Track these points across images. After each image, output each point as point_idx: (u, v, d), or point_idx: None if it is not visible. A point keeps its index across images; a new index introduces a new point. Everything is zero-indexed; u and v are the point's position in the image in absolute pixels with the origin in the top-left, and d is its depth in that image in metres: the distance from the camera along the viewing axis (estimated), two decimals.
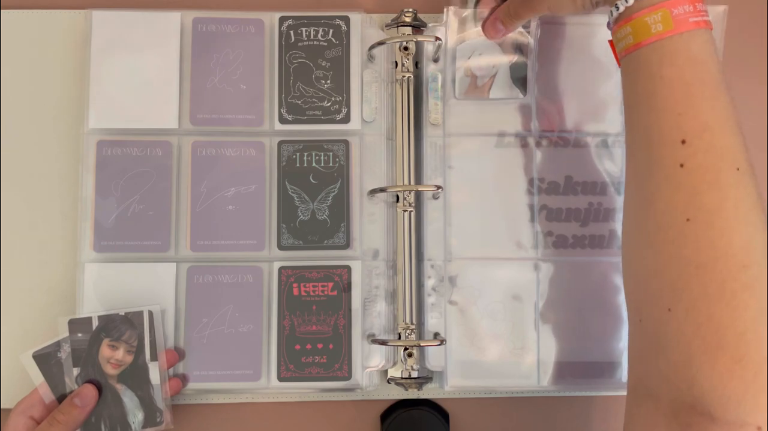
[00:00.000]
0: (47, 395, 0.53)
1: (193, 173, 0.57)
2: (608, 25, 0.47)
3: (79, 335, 0.53)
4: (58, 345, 0.53)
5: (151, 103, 0.57)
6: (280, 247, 0.56)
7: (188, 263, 0.56)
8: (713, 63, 0.43)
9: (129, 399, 0.53)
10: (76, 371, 0.53)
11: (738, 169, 0.42)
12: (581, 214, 0.58)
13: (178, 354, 0.55)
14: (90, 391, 0.52)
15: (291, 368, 0.55)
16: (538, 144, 0.59)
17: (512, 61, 0.58)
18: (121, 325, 0.54)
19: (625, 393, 0.58)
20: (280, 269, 0.56)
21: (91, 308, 0.55)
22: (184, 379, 0.55)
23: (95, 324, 0.54)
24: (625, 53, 0.45)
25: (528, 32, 0.59)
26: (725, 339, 0.40)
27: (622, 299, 0.57)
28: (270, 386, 0.55)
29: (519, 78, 0.58)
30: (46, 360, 0.53)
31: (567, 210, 0.58)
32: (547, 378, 0.56)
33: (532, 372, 0.57)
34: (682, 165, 0.42)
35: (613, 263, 0.58)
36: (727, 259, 0.41)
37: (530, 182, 0.58)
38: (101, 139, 0.57)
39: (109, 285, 0.55)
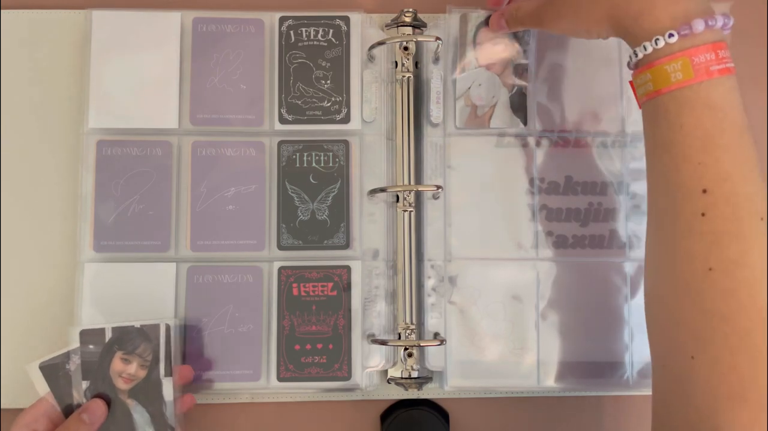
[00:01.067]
0: (53, 407, 0.51)
1: (193, 173, 0.57)
2: (628, 65, 0.47)
3: (91, 347, 0.51)
4: (66, 356, 0.51)
5: (151, 103, 0.57)
6: (280, 247, 0.56)
7: (188, 263, 0.56)
8: (735, 110, 0.42)
9: (139, 415, 0.51)
10: (85, 384, 0.51)
11: (762, 218, 0.41)
12: (581, 214, 0.58)
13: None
14: (99, 407, 0.50)
15: (291, 368, 0.55)
16: (538, 144, 0.58)
17: (512, 91, 0.58)
18: (135, 338, 0.52)
19: (626, 393, 0.58)
20: (280, 269, 0.56)
21: (91, 308, 0.55)
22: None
23: (108, 335, 0.52)
24: (645, 99, 0.45)
25: (526, 53, 0.59)
26: (750, 388, 0.39)
27: (622, 299, 0.57)
28: (269, 386, 0.55)
29: (519, 108, 0.58)
30: (53, 371, 0.51)
31: (567, 210, 0.58)
32: (547, 378, 0.56)
33: (532, 372, 0.57)
34: (703, 214, 0.42)
35: (613, 264, 0.58)
36: (751, 311, 0.40)
37: (530, 182, 0.58)
38: (101, 139, 0.57)
39: (108, 285, 0.55)
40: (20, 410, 0.56)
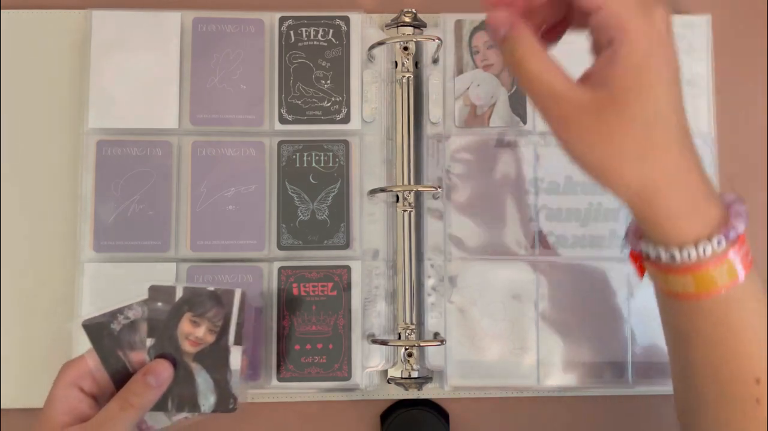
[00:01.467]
0: (97, 366, 0.48)
1: (193, 173, 0.57)
2: (635, 243, 0.42)
3: (159, 304, 0.48)
4: (112, 316, 0.48)
5: (151, 103, 0.57)
6: (280, 247, 0.56)
7: (188, 263, 0.56)
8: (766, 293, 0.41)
9: (203, 381, 0.48)
10: (150, 341, 0.48)
11: None
12: (581, 214, 0.58)
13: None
14: (166, 369, 0.47)
15: (291, 368, 0.55)
16: (538, 144, 0.58)
17: (511, 91, 0.58)
18: (207, 301, 0.49)
19: (625, 392, 0.58)
20: (280, 269, 0.56)
21: (91, 308, 0.55)
22: None
23: (179, 294, 0.49)
24: (682, 299, 0.41)
25: None
26: None
27: (621, 299, 0.57)
28: (269, 386, 0.55)
29: (519, 107, 0.58)
30: (97, 330, 0.48)
31: (567, 210, 0.58)
32: (547, 378, 0.56)
33: (532, 372, 0.56)
34: (758, 400, 0.41)
35: (613, 264, 0.58)
36: None
37: (530, 182, 0.58)
38: (101, 139, 0.57)
39: (108, 285, 0.55)
40: (20, 410, 0.56)
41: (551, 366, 0.57)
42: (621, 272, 0.57)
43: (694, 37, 0.60)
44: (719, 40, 0.60)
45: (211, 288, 0.49)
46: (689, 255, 0.38)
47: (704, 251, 0.38)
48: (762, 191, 0.61)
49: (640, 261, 0.43)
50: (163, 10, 0.58)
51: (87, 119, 0.57)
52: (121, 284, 0.55)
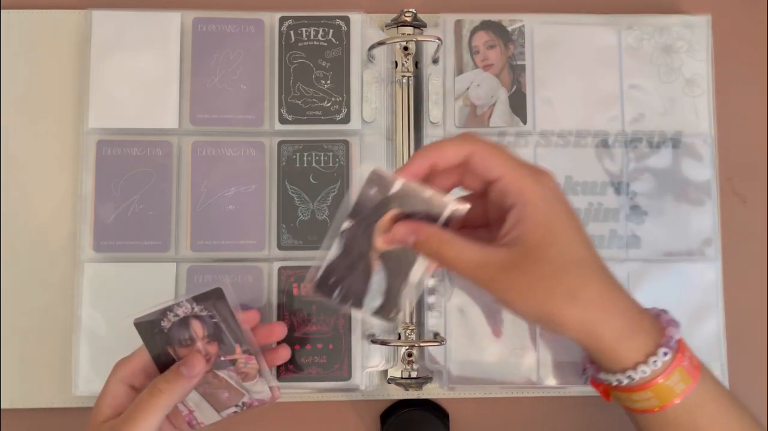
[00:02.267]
0: (150, 363, 0.49)
1: (193, 173, 0.57)
2: (595, 374, 0.46)
3: (373, 191, 0.44)
4: (162, 313, 0.48)
5: (151, 103, 0.57)
6: (280, 247, 0.56)
7: (188, 263, 0.56)
8: (725, 391, 0.44)
9: (377, 282, 0.46)
10: (347, 223, 0.45)
11: None
12: (581, 214, 0.58)
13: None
14: (199, 362, 0.48)
15: (291, 368, 0.55)
16: (538, 144, 0.58)
17: (511, 91, 0.58)
18: (419, 205, 0.44)
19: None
20: (280, 269, 0.56)
21: (91, 308, 0.55)
22: None
23: (395, 188, 0.44)
24: (649, 412, 0.44)
25: (522, 54, 0.59)
26: None
27: None
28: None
29: (518, 107, 0.58)
30: (148, 328, 0.48)
31: None
32: (547, 378, 0.56)
33: (532, 372, 0.56)
34: None
35: (613, 264, 0.58)
36: None
37: None
38: (101, 139, 0.57)
39: (108, 285, 0.55)
40: (20, 410, 0.56)
41: (551, 366, 0.57)
42: (621, 273, 0.57)
43: (694, 37, 0.60)
44: (719, 40, 0.61)
45: (429, 194, 0.44)
46: (644, 372, 0.42)
47: (655, 363, 0.42)
48: (762, 191, 0.61)
49: (604, 387, 0.46)
50: (163, 10, 0.58)
51: (87, 119, 0.57)
52: (121, 284, 0.55)
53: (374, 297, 0.46)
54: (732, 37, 0.52)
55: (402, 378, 0.56)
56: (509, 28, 0.59)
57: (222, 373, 0.49)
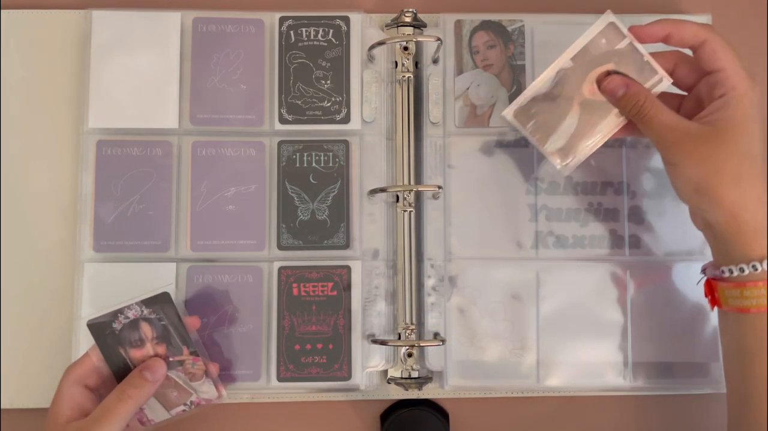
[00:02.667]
0: (101, 363, 0.51)
1: (193, 173, 0.57)
2: (718, 273, 0.49)
3: (602, 41, 0.50)
4: (114, 315, 0.51)
5: (151, 103, 0.57)
6: (280, 247, 0.56)
7: (188, 263, 0.56)
8: None
9: (569, 125, 0.51)
10: (569, 63, 0.49)
11: None
12: (581, 214, 0.58)
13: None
14: (161, 366, 0.51)
15: (290, 368, 0.55)
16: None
17: (511, 91, 0.58)
18: None
19: (625, 393, 0.58)
20: (280, 269, 0.56)
21: (91, 308, 0.55)
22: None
23: (622, 45, 0.49)
24: (752, 311, 0.47)
25: (522, 54, 0.59)
26: None
27: (621, 299, 0.57)
28: (269, 386, 0.55)
29: None
30: (101, 329, 0.51)
31: (567, 210, 0.58)
32: (547, 378, 0.56)
33: (531, 372, 0.56)
34: None
35: (613, 263, 0.58)
36: None
37: (530, 182, 0.58)
38: (101, 139, 0.57)
39: (108, 285, 0.55)
40: (20, 410, 0.56)
41: (551, 366, 0.57)
42: (621, 272, 0.57)
43: None
44: None
45: None
46: (756, 268, 0.46)
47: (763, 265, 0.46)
48: None
49: (714, 293, 0.50)
50: (163, 10, 0.58)
51: (87, 119, 0.57)
52: (121, 284, 0.55)
53: (559, 138, 0.51)
54: (732, 37, 0.52)
55: (402, 378, 0.56)
56: (509, 28, 0.59)
57: (171, 373, 0.52)
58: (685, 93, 0.52)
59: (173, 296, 0.51)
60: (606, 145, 0.58)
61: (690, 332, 0.57)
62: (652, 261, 0.58)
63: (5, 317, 0.57)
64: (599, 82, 0.50)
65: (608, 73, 0.50)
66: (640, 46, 0.49)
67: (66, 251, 0.57)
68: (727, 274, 0.48)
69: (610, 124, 0.51)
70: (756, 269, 0.46)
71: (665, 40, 0.49)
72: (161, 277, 0.56)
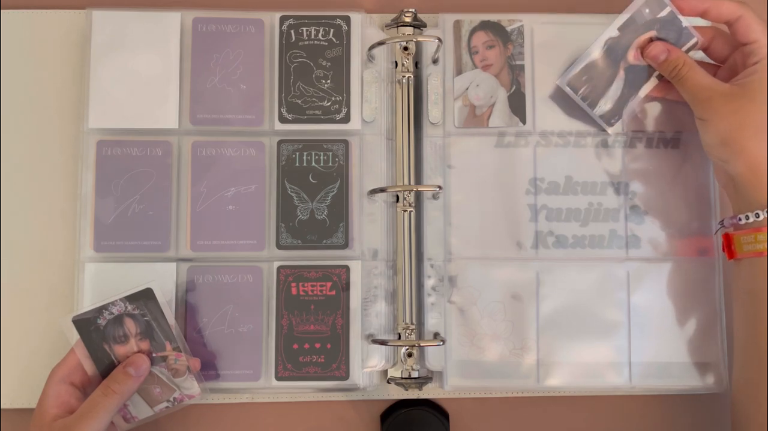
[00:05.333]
0: (86, 360, 0.52)
1: (193, 173, 0.57)
2: (734, 220, 0.52)
3: (646, 11, 0.55)
4: (99, 311, 0.52)
5: (151, 103, 0.57)
6: (279, 246, 0.56)
7: (188, 263, 0.56)
8: None
9: (615, 89, 0.56)
10: (615, 33, 0.55)
11: None
12: (581, 214, 0.58)
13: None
14: (144, 361, 0.52)
15: (289, 367, 0.55)
16: (538, 144, 0.58)
17: (510, 91, 0.58)
18: None
19: (625, 393, 0.58)
20: (279, 268, 0.56)
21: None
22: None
23: (663, 13, 0.54)
24: (751, 256, 0.51)
25: (521, 55, 0.59)
26: None
27: (621, 299, 0.57)
28: (268, 385, 0.55)
29: (518, 107, 0.58)
30: (85, 325, 0.52)
31: (567, 210, 0.58)
32: (547, 378, 0.56)
33: (531, 372, 0.56)
34: None
35: (613, 263, 0.58)
36: None
37: (530, 182, 0.58)
38: (101, 139, 0.57)
39: (108, 285, 0.55)
40: (20, 410, 0.56)
41: (551, 366, 0.56)
42: (621, 272, 0.57)
43: None
44: None
45: None
46: None
47: None
48: None
49: (731, 244, 0.52)
50: (163, 10, 0.58)
51: (87, 118, 0.57)
52: (121, 284, 0.55)
53: (606, 101, 0.57)
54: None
55: (402, 378, 0.56)
56: (508, 29, 0.59)
57: (154, 369, 0.53)
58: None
59: (156, 293, 0.52)
60: (606, 145, 0.58)
61: (690, 332, 0.57)
62: (652, 261, 0.58)
63: (5, 317, 0.57)
64: (642, 49, 0.56)
65: (650, 40, 0.55)
66: (678, 14, 0.55)
67: (66, 250, 0.58)
68: (743, 221, 0.51)
69: (650, 85, 0.57)
70: None
71: (703, 14, 0.54)
72: (161, 277, 0.56)
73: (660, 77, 0.57)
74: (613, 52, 0.56)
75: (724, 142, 0.51)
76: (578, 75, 0.57)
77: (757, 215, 0.50)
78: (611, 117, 0.57)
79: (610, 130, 0.58)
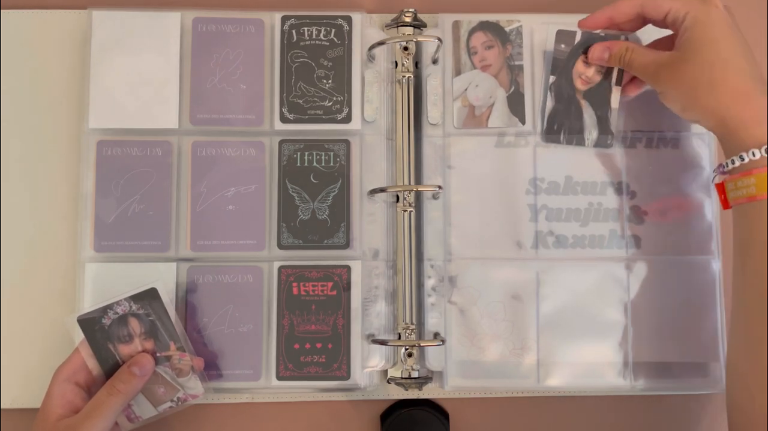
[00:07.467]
0: (90, 359, 0.52)
1: (193, 173, 0.57)
2: (720, 169, 0.51)
3: (563, 45, 0.57)
4: (103, 311, 0.52)
5: (151, 103, 0.57)
6: (280, 246, 0.56)
7: (188, 263, 0.56)
8: None
9: (589, 116, 0.57)
10: (552, 78, 0.57)
11: None
12: (581, 214, 0.58)
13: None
14: (149, 361, 0.52)
15: (290, 367, 0.55)
16: (538, 144, 0.59)
17: (509, 91, 0.58)
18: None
19: (625, 393, 0.58)
20: (280, 268, 0.56)
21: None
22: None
23: (578, 38, 0.57)
24: (743, 201, 0.49)
25: (520, 55, 0.59)
26: None
27: (621, 299, 0.57)
28: (269, 385, 0.55)
29: (517, 107, 0.58)
30: (90, 324, 0.52)
31: (567, 210, 0.58)
32: (547, 378, 0.56)
33: (531, 372, 0.56)
34: None
35: (613, 263, 0.58)
36: None
37: (530, 182, 0.58)
38: (101, 139, 0.57)
39: (109, 285, 0.55)
40: (20, 410, 0.56)
41: (551, 366, 0.57)
42: (621, 272, 0.57)
43: None
44: None
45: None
46: (754, 155, 0.48)
47: (765, 150, 0.48)
48: None
49: (725, 193, 0.51)
50: (163, 10, 0.58)
51: (87, 118, 0.57)
52: (121, 284, 0.55)
53: (591, 131, 0.58)
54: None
55: (402, 378, 0.56)
56: (507, 29, 0.59)
57: (158, 369, 0.53)
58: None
59: (161, 293, 0.52)
60: (606, 145, 0.58)
61: (690, 332, 0.57)
62: (652, 261, 0.58)
63: (5, 317, 0.57)
64: (586, 61, 0.57)
65: (585, 57, 0.57)
66: (592, 31, 0.56)
67: (66, 250, 0.58)
68: (729, 166, 0.50)
69: (616, 93, 0.57)
70: (755, 156, 0.48)
71: (609, 22, 0.55)
72: (162, 277, 0.55)
73: (618, 82, 0.57)
74: (562, 91, 0.58)
75: (685, 107, 0.52)
76: (549, 128, 0.58)
77: (742, 158, 0.49)
78: (605, 140, 0.58)
79: (610, 148, 0.58)
